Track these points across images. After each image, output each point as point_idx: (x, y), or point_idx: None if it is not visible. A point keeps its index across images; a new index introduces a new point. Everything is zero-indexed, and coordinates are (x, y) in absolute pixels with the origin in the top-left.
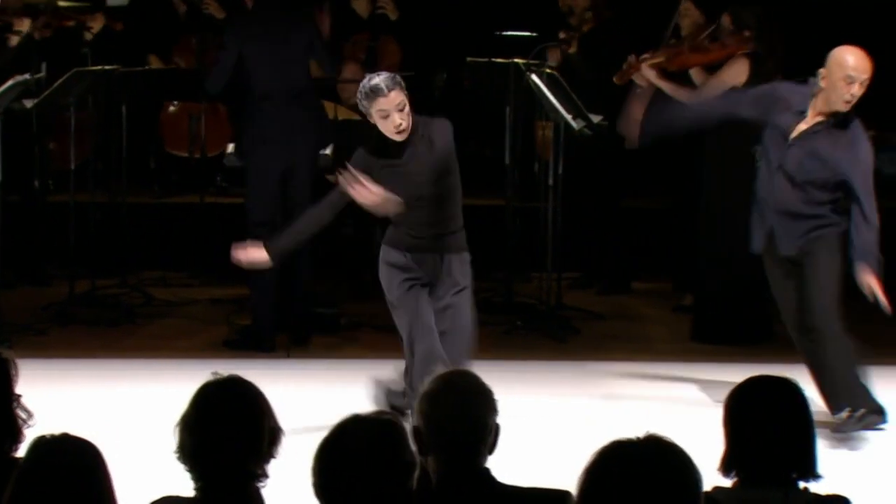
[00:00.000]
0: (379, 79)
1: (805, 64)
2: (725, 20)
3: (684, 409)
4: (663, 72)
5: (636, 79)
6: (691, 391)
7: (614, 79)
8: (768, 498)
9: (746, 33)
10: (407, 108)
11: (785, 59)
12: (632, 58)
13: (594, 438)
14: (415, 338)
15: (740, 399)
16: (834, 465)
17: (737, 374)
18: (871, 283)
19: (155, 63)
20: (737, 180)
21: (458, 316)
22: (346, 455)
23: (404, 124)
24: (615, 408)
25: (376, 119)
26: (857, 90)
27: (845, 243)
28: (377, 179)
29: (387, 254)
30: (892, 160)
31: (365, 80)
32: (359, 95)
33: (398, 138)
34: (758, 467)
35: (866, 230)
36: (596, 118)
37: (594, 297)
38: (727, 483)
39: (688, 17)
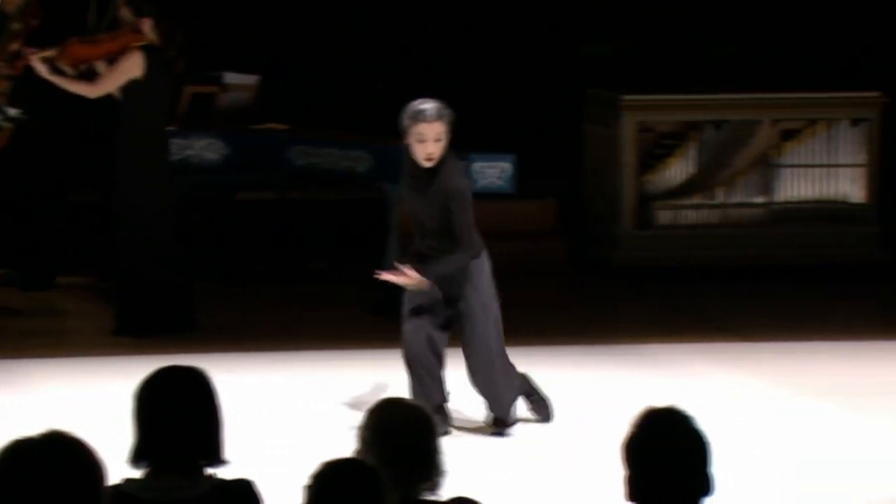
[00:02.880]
0: (429, 105)
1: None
2: (123, 11)
3: (98, 403)
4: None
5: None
6: (110, 385)
7: (6, 68)
8: (176, 486)
9: (145, 23)
10: (444, 142)
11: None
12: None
13: None
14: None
15: (147, 390)
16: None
17: (157, 364)
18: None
19: None
20: (148, 171)
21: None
22: None
23: (435, 154)
24: (26, 403)
25: (412, 141)
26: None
27: None
28: (404, 196)
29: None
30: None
31: (416, 101)
32: (405, 112)
33: (426, 164)
34: (166, 456)
35: None
36: (13, 111)
37: (16, 294)
38: (138, 474)
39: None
